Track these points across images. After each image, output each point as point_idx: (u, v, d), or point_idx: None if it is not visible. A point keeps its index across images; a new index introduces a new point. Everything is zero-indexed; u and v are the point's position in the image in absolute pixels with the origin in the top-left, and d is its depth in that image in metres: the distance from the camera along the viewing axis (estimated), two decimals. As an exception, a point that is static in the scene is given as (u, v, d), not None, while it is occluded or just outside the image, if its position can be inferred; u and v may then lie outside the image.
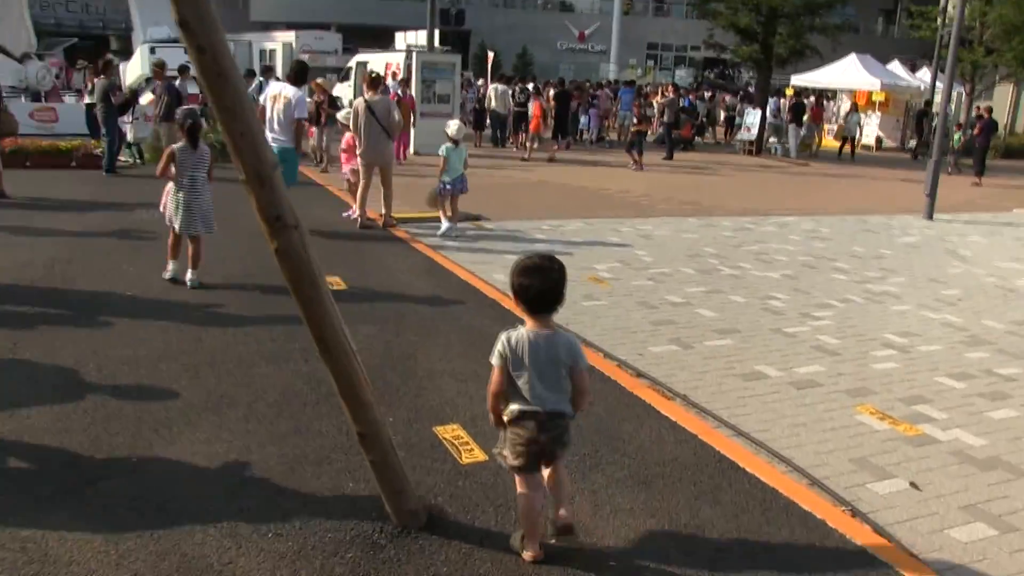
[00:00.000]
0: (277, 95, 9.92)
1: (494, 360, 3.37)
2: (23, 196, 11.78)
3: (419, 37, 31.43)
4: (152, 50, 25.91)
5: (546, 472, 3.46)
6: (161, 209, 7.74)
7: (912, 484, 4.23)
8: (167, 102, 14.36)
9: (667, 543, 3.56)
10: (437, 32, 40.48)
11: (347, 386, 3.22)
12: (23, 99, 22.98)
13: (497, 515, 3.71)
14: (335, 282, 7.65)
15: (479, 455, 4.24)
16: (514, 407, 3.34)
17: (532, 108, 21.48)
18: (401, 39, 38.68)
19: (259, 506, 3.70)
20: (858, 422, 5.03)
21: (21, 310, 6.43)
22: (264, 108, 10.05)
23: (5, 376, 5.09)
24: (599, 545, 3.53)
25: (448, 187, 10.32)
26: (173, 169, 7.36)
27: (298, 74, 10.27)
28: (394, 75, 23.97)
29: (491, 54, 30.74)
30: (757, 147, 24.93)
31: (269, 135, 9.94)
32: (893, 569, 3.44)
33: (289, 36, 44.85)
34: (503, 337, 3.38)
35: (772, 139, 25.82)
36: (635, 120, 20.59)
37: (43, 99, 24.57)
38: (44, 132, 18.76)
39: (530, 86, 25.10)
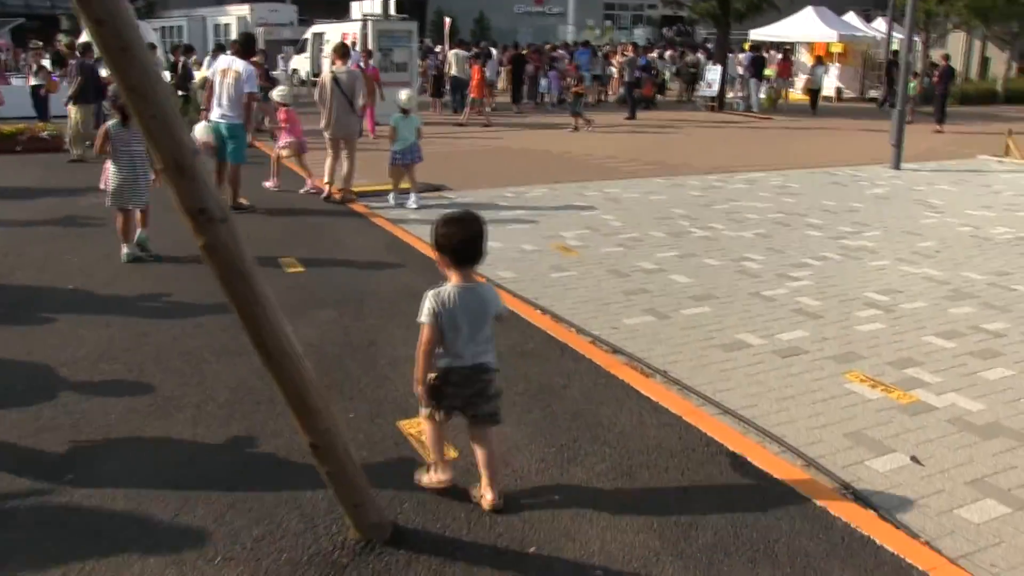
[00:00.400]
0: (227, 69, 9.43)
1: (425, 319, 3.32)
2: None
3: (375, 6, 30.72)
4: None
5: (478, 450, 3.49)
6: (102, 187, 7.61)
7: (913, 459, 3.96)
8: (80, 83, 13.69)
9: (657, 544, 3.26)
10: (393, 0, 39.76)
11: (294, 394, 2.85)
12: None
13: (470, 522, 3.38)
14: (290, 264, 7.26)
15: (448, 451, 3.91)
16: (441, 363, 3.36)
17: (471, 73, 20.97)
18: (357, 9, 37.90)
19: (206, 526, 3.34)
20: (849, 391, 4.75)
21: (-51, 312, 5.98)
22: (213, 84, 9.59)
23: (-73, 388, 4.66)
24: (583, 552, 3.21)
25: (399, 157, 9.97)
26: (109, 147, 7.34)
27: (244, 46, 9.79)
28: (353, 45, 23.31)
29: (448, 20, 30.11)
30: (719, 103, 24.63)
31: (217, 111, 9.52)
32: (903, 561, 3.16)
33: (243, 9, 43.69)
34: (431, 295, 3.34)
35: (740, 94, 25.55)
36: (574, 82, 20.36)
37: None
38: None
39: (472, 52, 24.56)
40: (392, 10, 32.19)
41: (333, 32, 26.69)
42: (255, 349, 2.76)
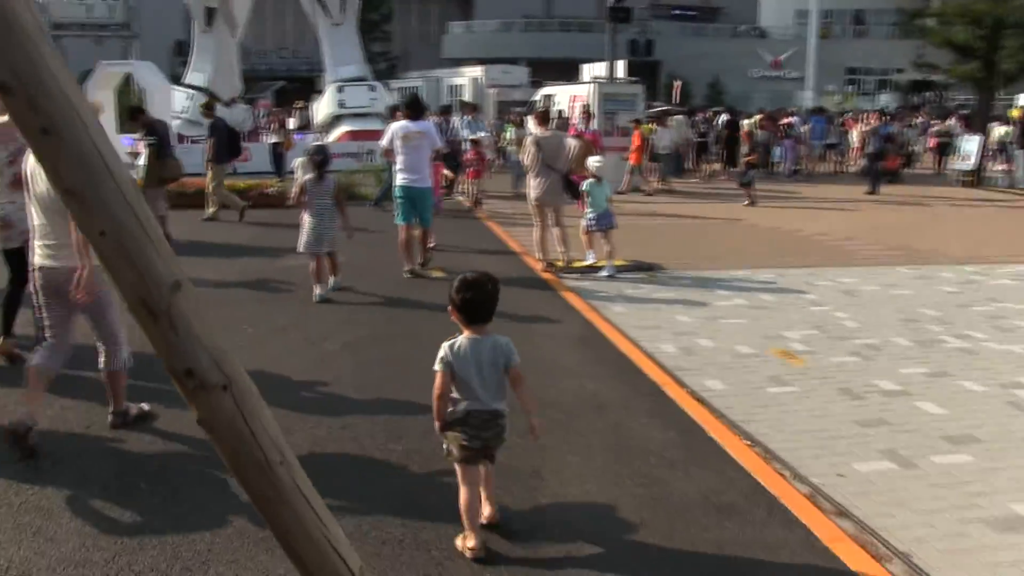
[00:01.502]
0: (407, 134, 9.27)
1: (437, 366, 3.66)
2: (186, 239, 11.62)
3: (605, 68, 30.57)
4: (340, 88, 26.48)
5: (483, 470, 3.83)
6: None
7: None
8: (213, 143, 13.88)
9: None
10: (624, 63, 39.61)
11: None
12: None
13: None
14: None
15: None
16: (461, 407, 3.66)
17: (633, 138, 19.31)
18: (587, 71, 38.04)
19: None
20: None
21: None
22: (391, 149, 9.51)
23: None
24: None
25: (593, 223, 9.78)
26: (305, 199, 8.29)
27: (411, 108, 9.68)
28: (585, 108, 23.00)
29: (678, 83, 29.41)
30: (977, 178, 22.07)
31: (402, 176, 9.36)
32: None
33: (477, 71, 45.17)
34: (445, 346, 3.69)
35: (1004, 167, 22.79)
36: (746, 150, 18.75)
37: (243, 139, 25.80)
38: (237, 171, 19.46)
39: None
40: (622, 73, 31.91)
41: (562, 94, 26.67)
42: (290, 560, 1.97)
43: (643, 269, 10.01)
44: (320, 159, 8.37)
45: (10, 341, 6.24)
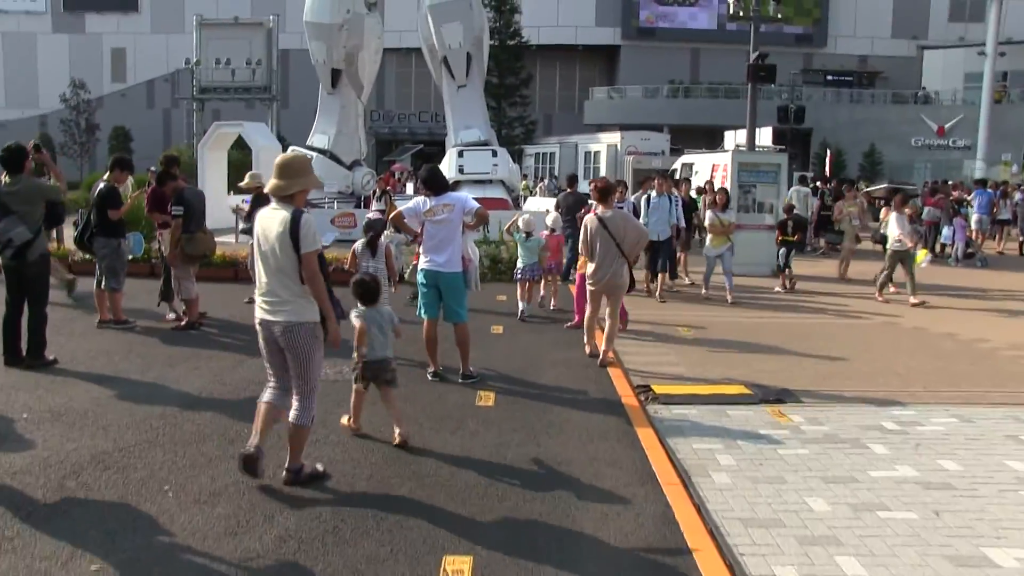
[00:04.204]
0: (432, 208, 7.78)
1: (356, 322, 6.13)
2: (218, 316, 10.54)
3: (755, 136, 28.26)
4: (460, 154, 25.17)
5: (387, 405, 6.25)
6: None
7: None
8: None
9: None
10: (770, 130, 36.82)
11: None
12: (332, 206, 23.50)
13: None
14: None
15: None
16: (364, 351, 6.17)
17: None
18: (731, 138, 35.66)
19: None
20: None
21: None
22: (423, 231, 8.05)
23: None
24: None
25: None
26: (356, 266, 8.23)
27: (429, 183, 8.00)
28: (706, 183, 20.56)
29: (831, 153, 26.66)
30: None
31: (426, 260, 7.90)
32: None
33: (614, 137, 43.40)
34: (355, 312, 6.16)
35: None
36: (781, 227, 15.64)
37: (362, 204, 25.11)
38: (344, 238, 18.62)
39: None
40: (768, 140, 29.28)
41: (702, 163, 24.65)
42: None
43: (769, 401, 7.53)
44: (371, 234, 7.97)
45: None
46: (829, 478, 5.64)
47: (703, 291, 13.90)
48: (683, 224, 14.66)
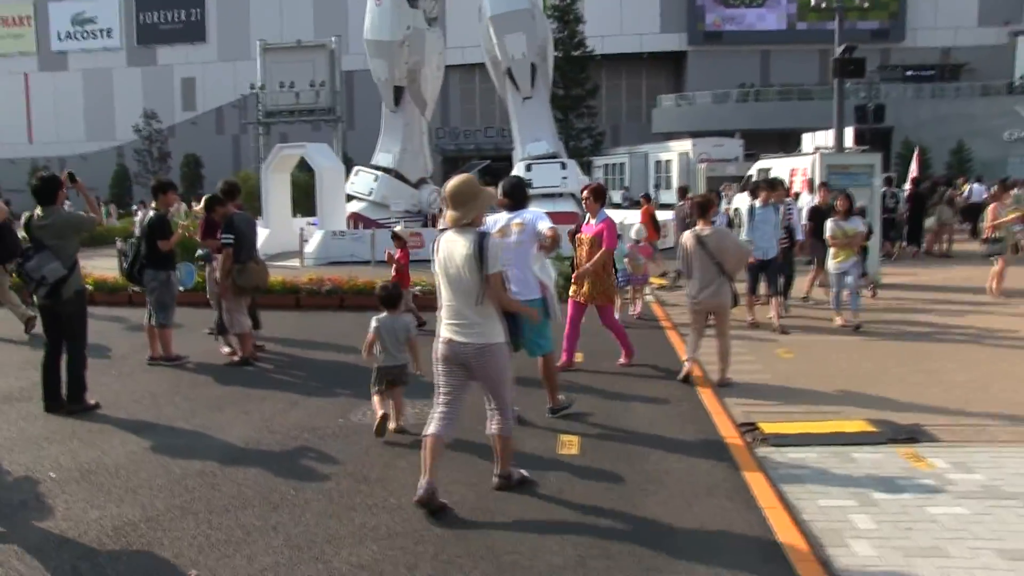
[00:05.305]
0: (504, 227, 6.69)
1: (372, 328, 6.60)
2: (274, 351, 9.61)
3: (829, 137, 26.88)
4: (528, 167, 24.37)
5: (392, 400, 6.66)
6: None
7: None
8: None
9: None
10: (851, 131, 35.15)
11: None
12: (399, 225, 22.81)
13: None
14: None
15: None
16: (378, 358, 6.64)
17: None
18: (809, 141, 34.20)
19: None
20: None
21: None
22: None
23: None
24: None
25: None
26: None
27: (512, 196, 6.84)
28: (809, 183, 19.25)
29: (917, 150, 25.18)
30: None
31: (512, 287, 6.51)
32: None
33: (685, 145, 42.19)
34: (375, 318, 6.65)
35: None
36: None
37: (428, 222, 24.60)
38: (411, 258, 17.69)
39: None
40: (849, 142, 27.82)
41: (780, 167, 23.46)
42: None
43: (899, 440, 6.39)
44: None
45: None
46: (1008, 552, 4.48)
47: (836, 319, 11.53)
48: (799, 236, 13.09)
